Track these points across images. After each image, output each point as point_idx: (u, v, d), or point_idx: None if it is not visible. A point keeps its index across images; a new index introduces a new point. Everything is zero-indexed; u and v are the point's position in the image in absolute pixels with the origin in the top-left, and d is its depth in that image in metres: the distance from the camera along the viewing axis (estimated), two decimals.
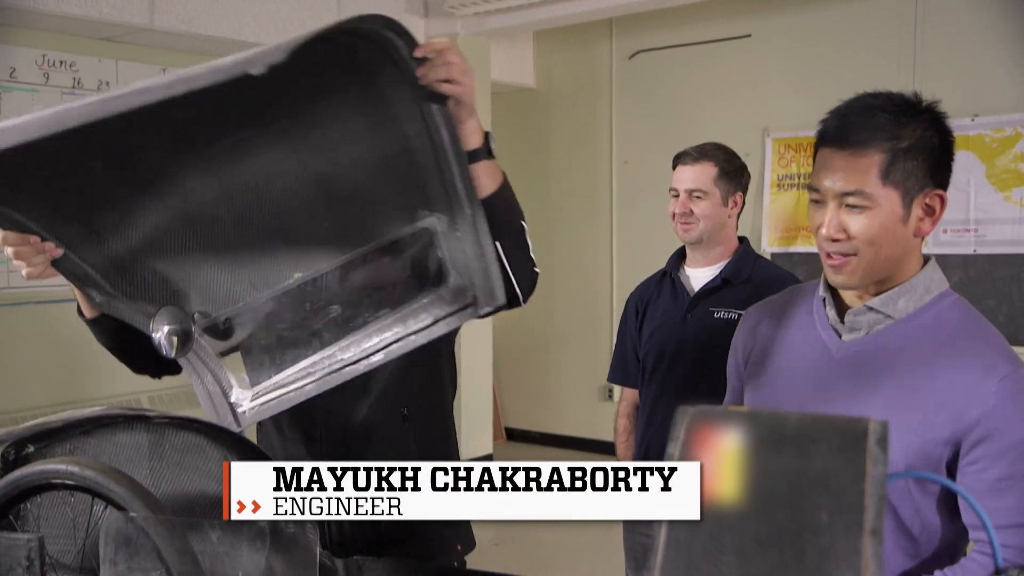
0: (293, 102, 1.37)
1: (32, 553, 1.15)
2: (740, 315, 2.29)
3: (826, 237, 1.36)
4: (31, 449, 1.36)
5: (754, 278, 2.34)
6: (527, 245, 1.49)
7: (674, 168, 2.44)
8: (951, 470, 1.32)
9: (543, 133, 5.97)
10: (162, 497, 1.33)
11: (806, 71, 5.16)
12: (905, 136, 1.33)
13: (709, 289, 2.36)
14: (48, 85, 4.21)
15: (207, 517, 1.34)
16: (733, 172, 2.40)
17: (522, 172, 5.95)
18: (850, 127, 1.34)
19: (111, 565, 1.15)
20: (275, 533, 1.25)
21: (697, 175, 2.35)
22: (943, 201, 1.37)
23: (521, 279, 1.47)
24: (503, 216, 1.42)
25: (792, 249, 5.20)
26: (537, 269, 1.52)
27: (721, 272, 2.37)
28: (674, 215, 2.38)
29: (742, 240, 2.45)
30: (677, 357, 2.34)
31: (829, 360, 1.42)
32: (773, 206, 5.28)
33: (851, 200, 1.33)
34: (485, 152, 1.39)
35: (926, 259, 1.43)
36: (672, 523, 0.79)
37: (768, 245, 5.25)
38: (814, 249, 5.17)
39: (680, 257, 2.48)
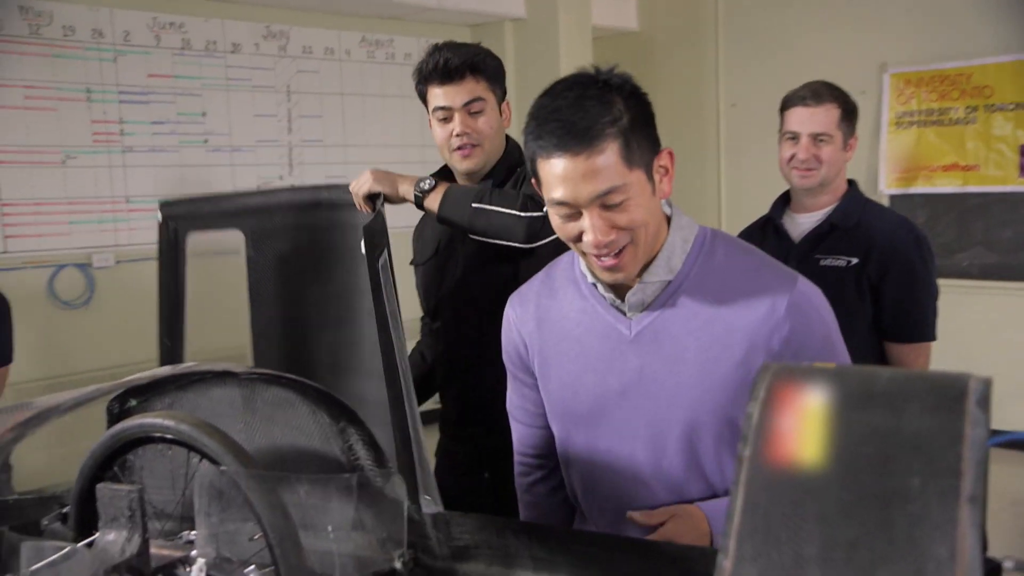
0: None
1: (133, 504, 1.18)
2: (849, 262, 2.20)
3: (596, 243, 1.30)
4: (133, 403, 1.41)
5: (863, 222, 2.23)
6: (485, 214, 1.87)
7: (784, 110, 2.33)
8: None
9: (646, 78, 5.74)
10: (255, 450, 1.36)
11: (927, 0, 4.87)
12: (623, 112, 1.28)
13: (815, 235, 2.26)
14: (159, 47, 4.32)
15: (298, 470, 1.36)
16: (852, 113, 2.29)
17: None
18: (573, 129, 1.27)
19: (205, 517, 1.18)
20: (364, 486, 1.26)
21: (822, 117, 2.23)
22: (673, 157, 1.36)
23: (501, 234, 1.87)
24: (452, 220, 1.91)
25: (912, 190, 4.96)
26: (519, 213, 1.86)
27: (828, 216, 2.26)
28: (790, 160, 2.27)
29: (850, 183, 2.33)
30: None
31: (624, 342, 1.39)
32: (891, 145, 5.03)
33: (609, 199, 1.28)
34: (420, 198, 1.92)
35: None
36: (750, 486, 0.75)
37: (886, 187, 5.02)
38: (935, 189, 4.92)
39: (784, 202, 2.38)
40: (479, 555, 1.22)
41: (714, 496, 1.38)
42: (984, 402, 0.74)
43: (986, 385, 0.75)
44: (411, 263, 2.25)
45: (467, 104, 1.98)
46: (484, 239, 1.91)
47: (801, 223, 2.31)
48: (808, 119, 2.23)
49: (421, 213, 2.09)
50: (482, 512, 1.29)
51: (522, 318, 1.54)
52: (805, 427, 0.76)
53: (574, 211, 1.31)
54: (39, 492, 1.77)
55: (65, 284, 3.99)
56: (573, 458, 1.49)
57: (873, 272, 2.18)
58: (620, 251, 1.31)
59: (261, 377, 1.31)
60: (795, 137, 2.25)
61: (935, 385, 0.76)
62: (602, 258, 1.32)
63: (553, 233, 1.84)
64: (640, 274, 1.37)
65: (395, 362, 1.43)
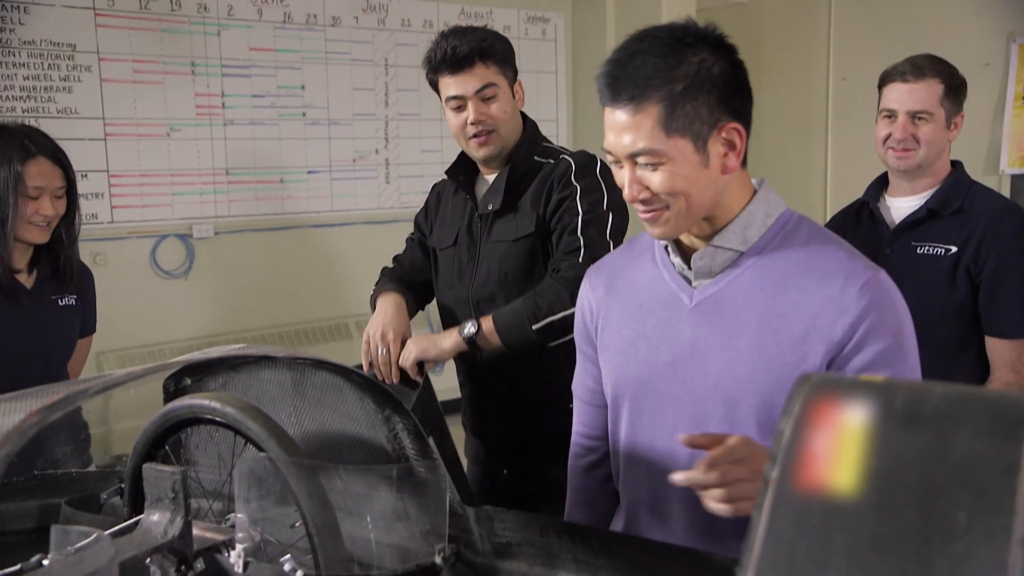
0: None
1: (177, 485, 1.19)
2: (948, 250, 2.06)
3: (630, 198, 1.29)
4: (188, 382, 1.42)
5: (967, 208, 2.08)
6: (548, 328, 1.87)
7: (882, 86, 2.19)
8: None
9: (754, 50, 5.59)
10: (305, 434, 1.35)
11: None
12: (679, 77, 1.23)
13: (912, 221, 2.12)
14: (261, 21, 4.38)
15: (347, 456, 1.35)
16: (958, 89, 2.13)
17: None
18: (619, 82, 1.25)
19: (245, 502, 1.17)
20: (406, 477, 1.24)
21: (923, 94, 2.09)
22: (742, 133, 1.27)
23: (554, 336, 1.88)
24: (523, 347, 1.91)
25: None
26: (565, 313, 1.85)
27: (927, 202, 2.12)
28: (886, 140, 2.13)
29: (955, 165, 2.17)
30: None
31: (683, 311, 1.33)
32: (1016, 121, 4.72)
33: (641, 159, 1.25)
34: (471, 342, 1.92)
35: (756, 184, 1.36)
36: (774, 514, 0.68)
37: (1008, 166, 4.72)
38: None
39: (881, 185, 2.24)
40: (521, 553, 1.18)
41: None
42: None
43: None
44: (428, 243, 2.21)
45: (479, 91, 1.97)
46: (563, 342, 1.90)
47: (898, 207, 2.17)
48: (906, 96, 2.09)
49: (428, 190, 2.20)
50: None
51: (594, 285, 1.52)
52: (841, 449, 0.69)
53: (617, 160, 1.30)
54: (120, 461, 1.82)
55: (166, 254, 4.11)
56: (618, 433, 1.45)
57: (972, 262, 2.04)
58: (656, 210, 1.29)
59: (307, 361, 1.30)
60: (892, 115, 2.12)
61: (993, 407, 0.68)
62: (641, 212, 1.31)
63: None
64: (710, 239, 1.32)
65: None
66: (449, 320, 2.15)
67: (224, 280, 4.25)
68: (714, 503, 1.17)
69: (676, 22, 1.31)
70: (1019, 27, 4.67)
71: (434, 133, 4.95)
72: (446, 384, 2.26)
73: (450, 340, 1.94)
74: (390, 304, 2.02)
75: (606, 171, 2.01)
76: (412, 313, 2.13)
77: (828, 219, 2.37)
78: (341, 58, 4.61)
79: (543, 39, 5.24)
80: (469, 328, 1.92)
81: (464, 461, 2.16)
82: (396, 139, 4.84)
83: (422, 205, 2.28)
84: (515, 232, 2.00)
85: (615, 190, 1.98)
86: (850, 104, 5.30)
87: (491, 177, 2.09)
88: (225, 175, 4.29)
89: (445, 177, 2.21)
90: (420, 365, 1.95)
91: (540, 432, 2.04)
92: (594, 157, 2.04)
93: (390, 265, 2.29)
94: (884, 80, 2.16)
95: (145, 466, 1.20)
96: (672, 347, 1.35)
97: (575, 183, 1.96)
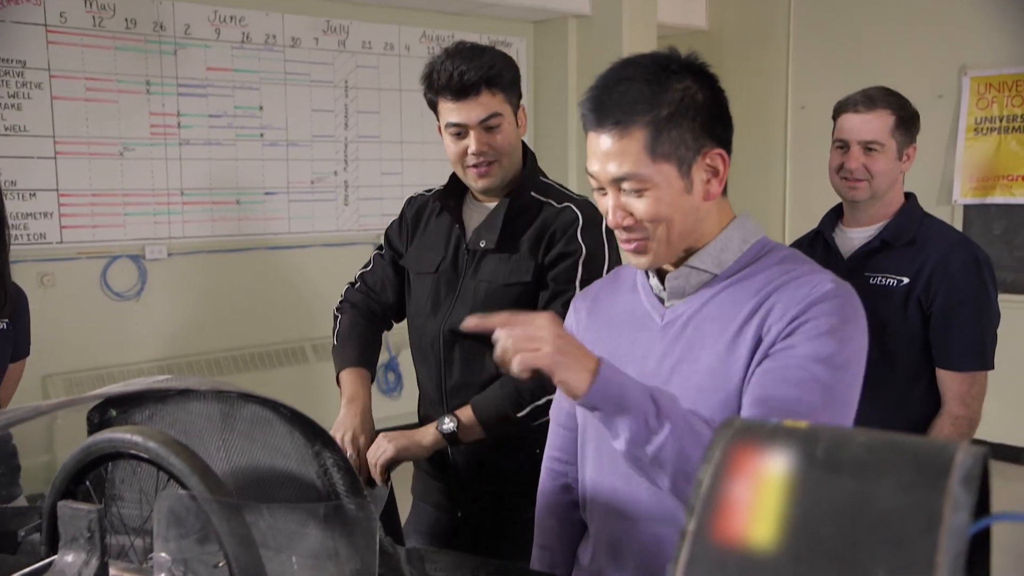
0: None
1: (92, 524, 1.14)
2: (899, 281, 2.06)
3: (614, 224, 1.29)
4: (113, 414, 1.37)
5: (919, 239, 2.08)
6: (535, 411, 1.79)
7: (836, 117, 2.20)
8: None
9: None
10: (234, 469, 1.30)
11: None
12: (664, 103, 1.24)
13: (865, 252, 2.12)
14: (219, 40, 4.34)
15: (276, 492, 1.30)
16: (909, 121, 2.14)
17: None
18: (604, 108, 1.26)
19: (165, 541, 1.13)
20: (336, 514, 1.20)
21: (874, 125, 2.09)
22: (725, 160, 1.28)
23: (540, 417, 1.78)
24: (494, 434, 1.83)
25: (988, 200, 4.71)
26: (549, 397, 1.74)
27: (880, 233, 2.12)
28: (839, 170, 2.14)
29: (908, 196, 2.18)
30: None
31: (654, 330, 1.35)
32: (968, 152, 4.79)
33: (626, 185, 1.26)
34: (451, 438, 1.83)
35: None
36: (690, 568, 0.65)
37: (960, 196, 4.78)
38: (1015, 200, 4.67)
39: (836, 215, 2.24)
40: None
41: None
42: (970, 480, 0.63)
43: (975, 459, 0.64)
44: (402, 262, 2.06)
45: (483, 121, 1.83)
46: None
47: (852, 238, 2.17)
48: (859, 126, 2.09)
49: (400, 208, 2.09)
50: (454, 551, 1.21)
51: (577, 308, 1.53)
52: (761, 499, 0.66)
53: (601, 187, 1.30)
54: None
55: (117, 275, 4.03)
56: (584, 460, 1.44)
57: (924, 294, 2.04)
58: (639, 240, 1.29)
59: (234, 393, 1.25)
60: (844, 145, 2.12)
61: (917, 456, 0.66)
62: (626, 240, 1.31)
63: None
64: (686, 260, 1.33)
65: None
66: (416, 350, 2.04)
67: (177, 302, 4.18)
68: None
69: (659, 51, 1.32)
70: (971, 60, 4.75)
71: (394, 156, 4.92)
72: (403, 409, 2.17)
73: (429, 438, 1.84)
74: (359, 408, 1.89)
75: (611, 231, 1.92)
76: (375, 369, 2.05)
77: (789, 241, 2.37)
78: (300, 79, 4.58)
79: None
80: (448, 424, 1.82)
81: (410, 498, 2.09)
82: (355, 161, 4.81)
83: (396, 217, 2.11)
84: (508, 276, 1.88)
85: (615, 250, 1.88)
86: (808, 133, 5.36)
87: (485, 205, 1.95)
88: (180, 195, 4.23)
89: (423, 192, 2.08)
90: (386, 469, 1.82)
91: (500, 475, 1.96)
92: (600, 213, 1.94)
93: (354, 281, 2.13)
94: (837, 111, 2.17)
95: (60, 504, 1.15)
96: (640, 364, 1.34)
97: (581, 242, 1.86)
